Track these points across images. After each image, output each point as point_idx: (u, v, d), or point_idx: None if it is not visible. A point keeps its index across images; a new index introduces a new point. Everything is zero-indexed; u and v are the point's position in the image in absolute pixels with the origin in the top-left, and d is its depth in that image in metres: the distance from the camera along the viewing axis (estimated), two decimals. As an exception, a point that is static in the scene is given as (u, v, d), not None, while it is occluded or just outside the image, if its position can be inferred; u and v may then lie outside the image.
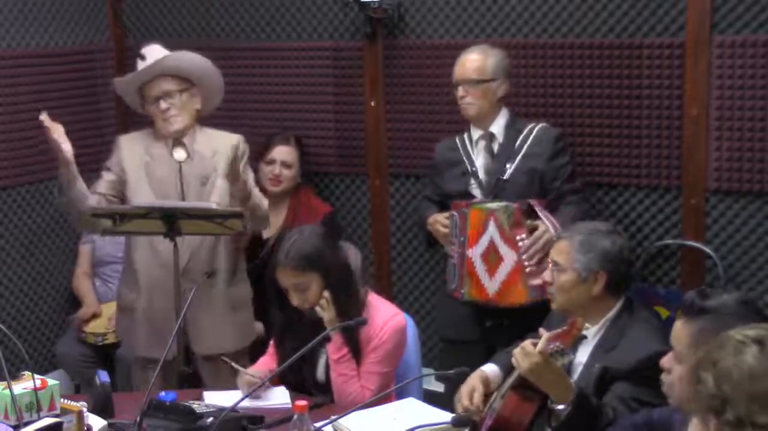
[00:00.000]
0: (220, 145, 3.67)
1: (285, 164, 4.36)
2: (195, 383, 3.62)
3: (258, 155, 4.34)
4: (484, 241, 3.58)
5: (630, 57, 3.95)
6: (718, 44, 3.77)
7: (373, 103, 4.53)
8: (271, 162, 4.36)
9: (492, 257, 3.57)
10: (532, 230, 3.54)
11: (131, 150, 3.70)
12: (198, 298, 3.49)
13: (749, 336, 1.81)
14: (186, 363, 3.59)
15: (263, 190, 4.32)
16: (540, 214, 3.56)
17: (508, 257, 3.54)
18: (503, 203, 3.58)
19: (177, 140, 3.63)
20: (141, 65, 3.67)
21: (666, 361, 2.31)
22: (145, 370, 3.66)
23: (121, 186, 3.67)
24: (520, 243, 3.52)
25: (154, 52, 3.67)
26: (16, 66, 4.60)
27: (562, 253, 2.95)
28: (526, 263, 3.52)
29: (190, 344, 3.65)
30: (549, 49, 4.10)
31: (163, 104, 3.61)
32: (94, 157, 4.92)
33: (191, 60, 3.69)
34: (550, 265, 2.99)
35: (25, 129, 4.62)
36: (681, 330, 2.25)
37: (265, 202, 3.66)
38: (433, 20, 4.36)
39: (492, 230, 3.56)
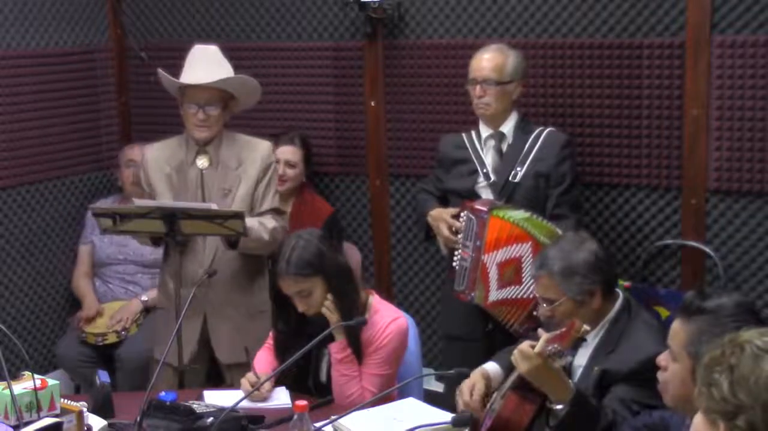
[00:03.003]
0: (246, 156, 3.67)
1: (289, 164, 4.37)
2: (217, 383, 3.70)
3: None
4: (507, 253, 3.46)
5: (630, 57, 3.95)
6: (718, 44, 3.77)
7: (373, 104, 4.53)
8: (276, 162, 4.35)
9: (509, 272, 3.46)
10: None
11: (156, 163, 3.72)
12: (218, 308, 3.63)
13: None
14: (193, 362, 3.62)
15: None
16: None
17: (529, 289, 3.39)
18: (539, 227, 3.45)
19: (201, 148, 3.64)
20: (195, 65, 3.62)
21: (662, 359, 2.30)
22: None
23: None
24: None
25: (207, 56, 3.65)
26: (16, 66, 4.59)
27: (548, 289, 2.88)
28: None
29: (213, 353, 3.71)
30: (549, 49, 4.10)
31: (202, 115, 3.59)
32: (94, 156, 4.96)
33: (252, 86, 3.70)
34: (544, 304, 2.91)
35: (25, 129, 4.62)
36: (678, 329, 2.25)
37: (265, 233, 3.59)
38: (433, 20, 4.36)
39: (525, 251, 3.43)
